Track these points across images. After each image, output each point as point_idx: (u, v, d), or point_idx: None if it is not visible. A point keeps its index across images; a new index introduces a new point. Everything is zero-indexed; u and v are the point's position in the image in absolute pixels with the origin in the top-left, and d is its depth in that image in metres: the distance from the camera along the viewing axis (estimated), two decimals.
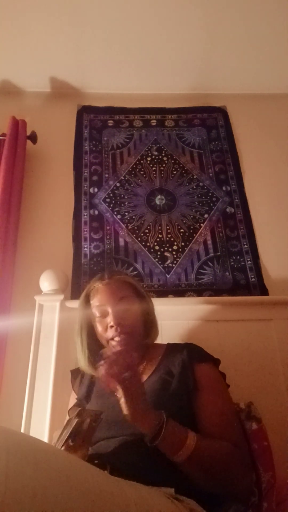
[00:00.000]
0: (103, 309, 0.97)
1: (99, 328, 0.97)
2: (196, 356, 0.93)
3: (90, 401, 0.97)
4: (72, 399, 1.05)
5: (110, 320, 0.94)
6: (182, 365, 0.90)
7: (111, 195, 1.69)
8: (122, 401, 0.72)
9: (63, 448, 0.71)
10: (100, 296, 0.99)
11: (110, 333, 0.94)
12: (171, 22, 1.66)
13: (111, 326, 0.94)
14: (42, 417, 1.15)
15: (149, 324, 1.02)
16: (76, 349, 1.03)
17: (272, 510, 0.85)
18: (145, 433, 0.72)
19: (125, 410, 0.72)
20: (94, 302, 0.99)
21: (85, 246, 1.56)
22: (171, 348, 1.00)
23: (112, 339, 0.94)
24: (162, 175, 1.75)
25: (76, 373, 1.09)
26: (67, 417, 0.90)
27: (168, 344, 1.03)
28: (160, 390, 0.86)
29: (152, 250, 1.55)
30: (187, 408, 0.84)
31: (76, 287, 1.45)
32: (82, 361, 1.00)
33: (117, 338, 0.93)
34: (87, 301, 1.02)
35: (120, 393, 0.72)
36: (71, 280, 1.46)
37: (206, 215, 1.65)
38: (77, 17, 1.63)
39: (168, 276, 1.50)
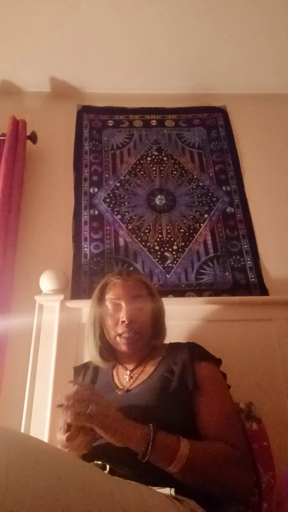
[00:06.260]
0: (117, 303, 0.98)
1: (109, 322, 0.98)
2: (197, 355, 0.93)
3: None
4: None
5: (122, 315, 0.95)
6: (183, 364, 0.90)
7: (111, 195, 1.69)
8: (100, 432, 0.71)
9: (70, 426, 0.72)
10: (116, 290, 0.99)
11: (120, 328, 0.95)
12: (171, 22, 1.66)
13: (123, 322, 0.94)
14: (42, 417, 1.15)
15: (158, 326, 1.02)
16: (88, 340, 1.03)
17: (272, 511, 0.85)
18: (136, 450, 0.71)
19: (108, 439, 0.71)
20: (110, 295, 1.00)
21: (85, 246, 1.56)
22: (173, 347, 1.00)
23: (121, 335, 0.95)
24: (162, 175, 1.75)
25: (79, 370, 1.10)
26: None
27: (170, 343, 1.03)
28: (160, 389, 0.86)
29: (152, 250, 1.55)
30: (187, 407, 0.84)
31: (76, 287, 1.45)
32: (93, 352, 1.00)
33: (125, 335, 0.94)
34: (102, 293, 1.03)
35: (95, 427, 0.71)
36: (71, 280, 1.46)
37: (206, 215, 1.65)
38: (77, 17, 1.63)
39: (168, 276, 1.50)
